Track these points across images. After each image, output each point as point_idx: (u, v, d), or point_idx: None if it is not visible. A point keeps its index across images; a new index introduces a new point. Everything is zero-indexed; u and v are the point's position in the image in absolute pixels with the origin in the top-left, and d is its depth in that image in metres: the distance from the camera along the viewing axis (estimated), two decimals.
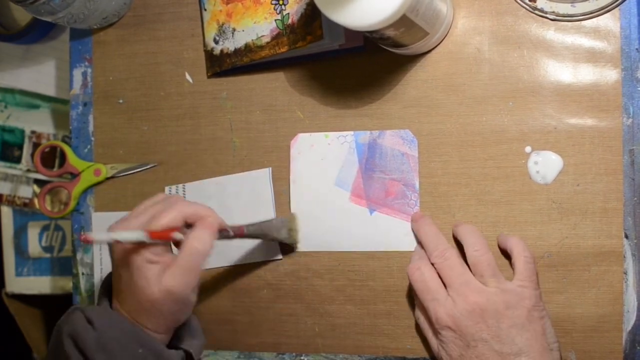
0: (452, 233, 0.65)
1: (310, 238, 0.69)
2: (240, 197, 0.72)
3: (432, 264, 0.63)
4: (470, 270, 0.61)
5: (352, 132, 0.69)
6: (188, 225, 0.60)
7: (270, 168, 0.71)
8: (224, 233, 0.63)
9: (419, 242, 0.66)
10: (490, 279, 0.60)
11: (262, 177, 0.71)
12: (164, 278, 0.58)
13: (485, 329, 0.58)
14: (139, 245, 0.58)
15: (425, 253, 0.64)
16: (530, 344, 0.58)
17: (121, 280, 0.60)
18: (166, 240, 0.59)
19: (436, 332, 0.61)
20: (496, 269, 0.61)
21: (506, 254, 0.64)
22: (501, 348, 0.58)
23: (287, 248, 0.70)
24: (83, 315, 0.59)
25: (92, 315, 0.59)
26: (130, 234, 0.57)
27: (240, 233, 0.65)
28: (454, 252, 0.62)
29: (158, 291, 0.58)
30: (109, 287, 0.63)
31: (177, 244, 0.60)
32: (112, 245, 0.60)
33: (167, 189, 0.74)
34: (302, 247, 0.70)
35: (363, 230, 0.68)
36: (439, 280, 0.62)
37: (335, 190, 0.69)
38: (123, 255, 0.59)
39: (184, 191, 0.73)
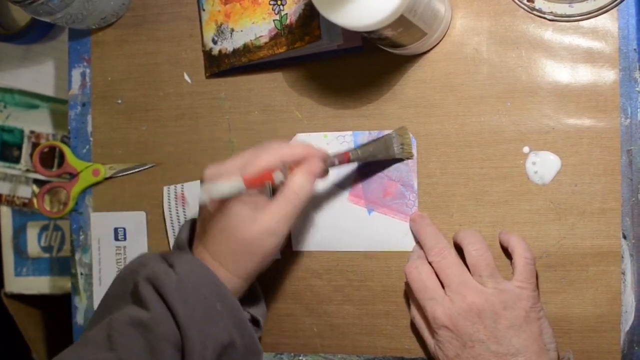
0: (453, 238, 0.65)
1: (308, 238, 0.70)
2: None
3: (430, 263, 0.63)
4: (469, 270, 0.62)
5: (350, 132, 0.69)
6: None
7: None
8: (329, 163, 0.61)
9: (418, 242, 0.66)
10: (488, 279, 0.60)
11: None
12: (264, 219, 0.57)
13: (483, 330, 0.58)
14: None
15: (424, 252, 0.64)
16: (527, 345, 0.58)
17: (211, 223, 0.59)
18: (262, 186, 0.58)
19: (433, 332, 0.61)
20: (495, 269, 0.61)
21: (507, 252, 0.64)
22: (498, 349, 0.58)
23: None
24: (163, 259, 0.58)
25: (174, 260, 0.58)
26: (227, 186, 0.55)
27: (345, 159, 0.62)
28: (452, 252, 0.62)
29: (255, 232, 0.57)
30: (188, 233, 0.62)
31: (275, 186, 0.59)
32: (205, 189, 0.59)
33: (165, 189, 0.74)
34: (300, 247, 0.70)
35: (361, 230, 0.68)
36: (437, 279, 0.62)
37: (334, 190, 0.69)
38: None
39: (182, 190, 0.73)
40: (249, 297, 0.64)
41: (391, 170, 0.67)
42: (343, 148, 0.68)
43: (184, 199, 0.73)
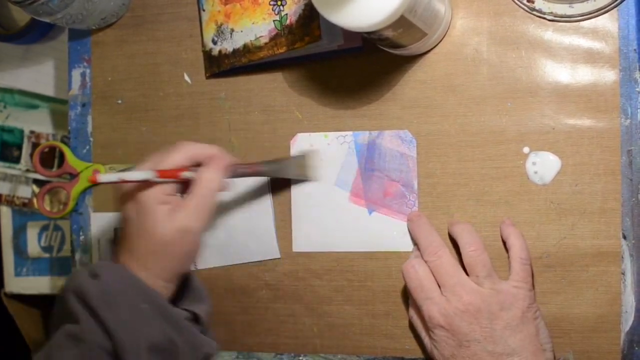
0: (448, 232, 0.65)
1: (309, 239, 0.70)
2: (238, 196, 0.72)
3: (426, 263, 0.63)
4: (465, 270, 0.62)
5: (351, 133, 0.69)
6: (198, 165, 0.60)
7: (269, 178, 0.71)
8: (239, 170, 0.63)
9: (414, 242, 0.66)
10: (485, 280, 0.60)
11: (262, 187, 0.71)
12: (178, 217, 0.58)
13: (479, 330, 0.58)
14: (148, 185, 0.58)
15: (419, 252, 0.64)
16: (524, 345, 0.58)
17: (129, 225, 0.59)
18: (175, 178, 0.59)
19: (429, 331, 0.61)
20: (491, 269, 0.61)
21: (505, 243, 0.64)
22: (494, 348, 0.58)
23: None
24: (86, 270, 0.58)
25: (96, 268, 0.58)
26: (138, 174, 0.57)
27: (254, 170, 0.65)
28: (447, 251, 0.63)
29: (171, 230, 0.57)
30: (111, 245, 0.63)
31: (187, 185, 0.60)
32: (120, 189, 0.60)
33: None
34: (301, 248, 0.70)
35: (362, 231, 0.68)
36: (434, 279, 0.62)
37: (335, 190, 0.69)
38: (132, 197, 0.59)
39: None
40: (188, 295, 0.63)
41: (391, 171, 0.67)
42: (343, 149, 0.68)
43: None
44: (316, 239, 0.69)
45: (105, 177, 0.58)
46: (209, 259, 0.73)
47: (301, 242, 0.70)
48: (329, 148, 0.69)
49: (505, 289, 0.60)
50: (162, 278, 0.59)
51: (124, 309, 0.56)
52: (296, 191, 0.70)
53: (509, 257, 0.62)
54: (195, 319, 0.61)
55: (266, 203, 0.71)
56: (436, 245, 0.63)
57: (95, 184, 0.55)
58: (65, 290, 0.58)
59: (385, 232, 0.67)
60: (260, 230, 0.71)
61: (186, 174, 0.59)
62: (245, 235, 0.72)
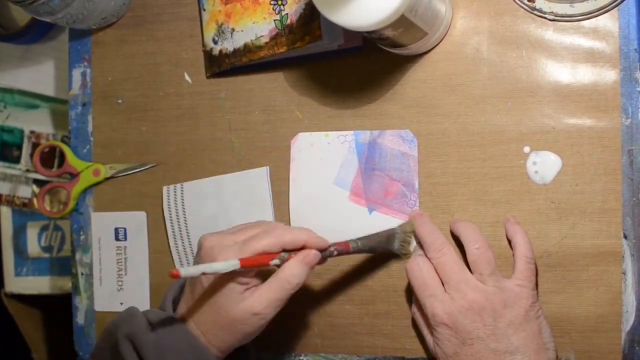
0: (450, 230, 0.65)
1: None
2: (238, 196, 0.72)
3: (429, 260, 0.63)
4: (469, 268, 0.62)
5: (352, 132, 0.69)
6: (286, 250, 0.59)
7: (268, 167, 0.71)
8: (327, 253, 0.60)
9: (418, 241, 0.66)
10: (489, 277, 0.60)
11: (260, 176, 0.71)
12: (251, 300, 0.57)
13: (482, 327, 0.58)
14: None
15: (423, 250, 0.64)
16: (526, 343, 0.58)
17: (199, 290, 0.59)
18: (260, 267, 0.57)
19: (432, 329, 0.61)
20: (495, 267, 0.61)
21: (509, 241, 0.64)
22: (497, 346, 0.58)
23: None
24: (145, 319, 0.58)
25: (154, 319, 0.58)
26: (222, 265, 0.55)
27: (345, 251, 0.62)
28: (451, 249, 0.62)
29: (242, 311, 0.57)
30: (176, 293, 0.62)
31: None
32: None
33: (165, 188, 0.74)
34: None
35: (362, 230, 0.67)
36: (437, 276, 0.62)
37: (335, 189, 0.69)
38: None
39: (182, 191, 0.73)
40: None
41: (392, 170, 0.67)
42: (343, 148, 0.68)
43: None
44: None
45: (186, 271, 0.53)
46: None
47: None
48: (329, 147, 0.69)
49: (509, 287, 0.60)
50: (217, 348, 0.59)
51: None
52: (294, 190, 0.70)
53: (514, 255, 0.62)
54: None
55: (266, 203, 0.71)
56: (440, 242, 0.63)
57: (174, 276, 0.53)
58: (117, 332, 0.58)
59: None
60: None
61: (274, 263, 0.57)
62: None
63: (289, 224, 0.70)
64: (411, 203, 0.67)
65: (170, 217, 0.74)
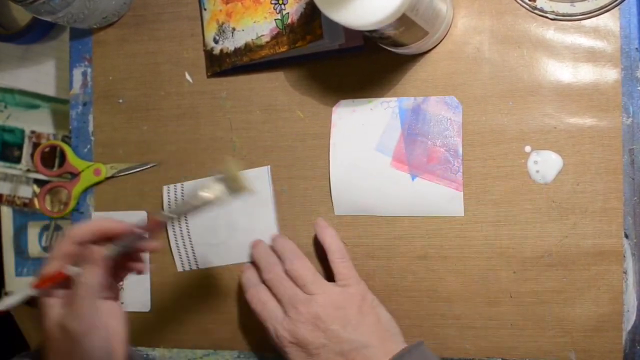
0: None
1: (351, 202, 0.69)
2: None
3: (265, 283, 0.65)
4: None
5: (395, 98, 0.68)
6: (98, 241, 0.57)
7: (269, 166, 0.71)
8: (135, 236, 0.57)
9: (252, 262, 0.69)
10: (312, 286, 0.62)
11: (261, 176, 0.71)
12: (60, 313, 0.55)
13: (322, 335, 0.60)
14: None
15: (257, 274, 0.67)
16: (369, 336, 0.60)
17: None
18: (58, 282, 0.56)
19: (283, 351, 0.63)
20: (316, 274, 0.64)
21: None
22: (342, 348, 0.60)
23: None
24: None
25: None
26: (14, 298, 0.56)
27: (156, 227, 0.58)
28: (278, 266, 0.65)
29: (50, 325, 0.55)
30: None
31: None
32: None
33: (165, 188, 0.74)
34: (343, 211, 0.69)
35: (405, 196, 0.66)
36: (274, 300, 0.64)
37: (376, 155, 0.68)
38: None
39: (182, 190, 0.73)
40: None
41: (436, 136, 0.66)
42: (386, 114, 0.67)
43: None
44: (358, 203, 0.68)
45: None
46: (210, 259, 0.73)
47: (343, 206, 0.69)
48: (372, 113, 0.68)
49: (334, 290, 0.63)
50: None
51: None
52: (335, 156, 0.69)
53: (328, 258, 0.65)
54: None
55: (267, 202, 0.71)
56: (272, 261, 0.66)
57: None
58: None
59: (430, 198, 0.66)
60: (260, 228, 0.71)
61: (69, 271, 0.56)
62: (246, 234, 0.72)
63: (329, 191, 0.69)
64: (455, 169, 0.66)
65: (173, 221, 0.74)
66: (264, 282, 0.66)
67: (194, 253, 0.73)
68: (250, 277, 0.68)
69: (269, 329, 0.64)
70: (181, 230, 0.74)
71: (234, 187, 0.58)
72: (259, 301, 0.65)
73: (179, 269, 0.74)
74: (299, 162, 0.71)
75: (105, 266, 0.56)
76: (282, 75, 0.71)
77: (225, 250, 0.72)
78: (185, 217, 0.64)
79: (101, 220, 0.58)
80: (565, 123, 0.63)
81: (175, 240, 0.74)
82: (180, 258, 0.74)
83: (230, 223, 0.72)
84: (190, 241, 0.73)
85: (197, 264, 0.73)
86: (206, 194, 0.58)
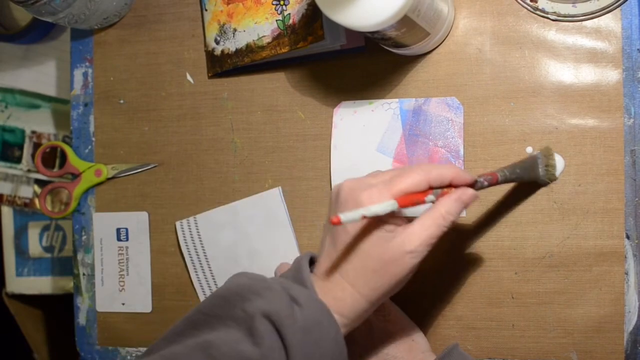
0: None
1: None
2: (253, 220, 0.71)
3: None
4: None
5: (397, 100, 0.68)
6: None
7: (280, 187, 0.71)
8: (477, 186, 0.57)
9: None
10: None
11: (273, 197, 0.71)
12: (403, 238, 0.53)
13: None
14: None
15: None
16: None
17: (346, 241, 0.54)
18: (415, 205, 0.53)
19: None
20: None
21: None
22: None
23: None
24: (286, 295, 0.53)
25: (298, 297, 0.53)
26: (380, 207, 0.51)
27: (494, 181, 0.58)
28: None
29: (397, 250, 0.53)
30: (308, 261, 0.57)
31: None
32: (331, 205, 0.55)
33: (178, 224, 0.74)
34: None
35: None
36: None
37: (378, 156, 0.67)
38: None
39: (195, 224, 0.73)
40: None
41: (437, 136, 0.66)
42: (387, 115, 0.67)
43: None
44: None
45: (346, 216, 0.50)
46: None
47: None
48: (373, 114, 0.68)
49: (394, 320, 0.63)
50: (366, 298, 0.54)
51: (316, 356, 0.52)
52: (336, 157, 0.69)
53: None
54: None
55: (284, 222, 0.71)
56: None
57: (336, 223, 0.49)
58: (246, 301, 0.53)
59: None
60: (281, 251, 0.71)
61: (429, 199, 0.54)
62: (268, 259, 0.71)
63: (331, 192, 0.68)
64: None
65: (188, 251, 0.73)
66: None
67: (216, 284, 0.73)
68: None
69: None
70: (200, 263, 0.73)
71: (549, 173, 0.63)
72: None
73: None
74: (300, 162, 0.71)
75: (467, 205, 0.55)
76: (283, 76, 0.71)
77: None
78: (513, 180, 0.61)
79: (455, 168, 0.55)
80: (566, 124, 0.63)
81: (196, 274, 0.73)
82: (203, 290, 0.73)
83: (251, 250, 0.71)
84: (212, 273, 0.73)
85: None
86: (535, 174, 0.62)
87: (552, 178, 0.63)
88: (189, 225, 0.73)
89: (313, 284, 0.55)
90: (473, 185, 0.56)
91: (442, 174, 0.54)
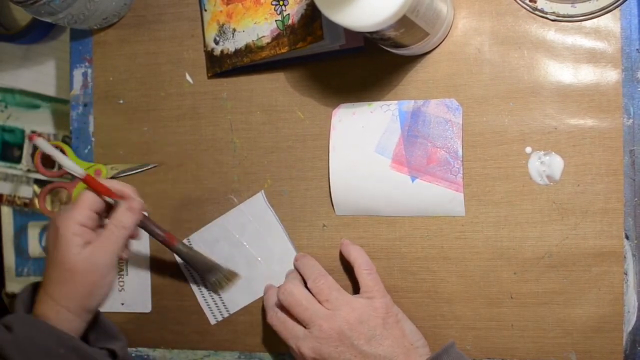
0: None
1: (351, 204, 0.69)
2: (245, 228, 0.72)
3: (281, 302, 0.64)
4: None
5: (396, 102, 0.68)
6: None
7: (263, 191, 0.71)
8: (149, 228, 0.67)
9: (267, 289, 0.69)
10: (335, 300, 0.62)
11: (257, 202, 0.71)
12: (89, 249, 0.60)
13: (346, 350, 0.60)
14: (65, 214, 0.61)
15: (274, 297, 0.66)
16: (394, 350, 0.60)
17: (47, 254, 0.62)
18: (97, 192, 0.63)
19: None
20: (339, 288, 0.64)
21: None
22: None
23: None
24: (1, 325, 0.59)
25: (9, 321, 0.59)
26: (71, 164, 0.64)
27: (169, 241, 0.68)
28: (296, 284, 0.64)
29: (79, 260, 0.60)
30: (29, 293, 0.64)
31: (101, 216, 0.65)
32: (51, 220, 0.63)
33: (176, 257, 0.74)
34: (344, 212, 0.69)
35: (405, 198, 0.66)
36: (293, 320, 0.63)
37: (376, 157, 0.67)
38: (52, 226, 0.62)
39: (189, 244, 0.73)
40: (100, 333, 0.65)
41: (435, 137, 0.66)
42: (386, 117, 0.67)
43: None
44: (359, 205, 0.68)
45: (40, 142, 0.64)
46: (237, 300, 0.73)
47: (345, 208, 0.69)
48: (372, 116, 0.68)
49: (359, 303, 0.62)
50: (68, 309, 0.60)
51: (41, 356, 0.58)
52: (334, 159, 0.69)
53: (355, 271, 0.65)
54: (113, 356, 0.63)
55: (274, 225, 0.71)
56: (286, 283, 0.65)
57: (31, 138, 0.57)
58: None
59: (430, 199, 0.66)
60: (278, 254, 0.71)
61: (109, 199, 0.64)
62: (266, 265, 0.71)
63: (329, 193, 0.69)
64: (455, 170, 0.65)
65: (190, 272, 0.74)
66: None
67: (222, 301, 0.73)
68: (269, 298, 0.67)
69: (292, 347, 0.63)
70: (204, 282, 0.73)
71: (219, 285, 0.72)
72: (278, 322, 0.64)
73: (212, 322, 0.73)
74: (299, 162, 0.71)
75: (140, 216, 0.64)
76: (282, 76, 0.71)
77: (249, 287, 0.72)
78: (186, 263, 0.71)
79: (132, 191, 0.66)
80: (566, 124, 0.63)
81: (202, 293, 0.74)
82: (211, 311, 0.73)
83: (249, 258, 0.72)
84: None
85: (227, 311, 0.73)
86: (208, 274, 0.71)
87: (215, 291, 0.72)
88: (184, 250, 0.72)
89: (22, 306, 0.62)
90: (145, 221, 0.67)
91: (122, 190, 0.65)
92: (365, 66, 0.68)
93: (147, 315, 0.75)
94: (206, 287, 0.73)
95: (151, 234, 0.68)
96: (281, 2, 0.67)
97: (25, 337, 0.58)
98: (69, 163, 0.64)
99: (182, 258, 0.70)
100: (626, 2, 0.62)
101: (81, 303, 0.61)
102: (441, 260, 0.66)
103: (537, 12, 0.64)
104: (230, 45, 0.71)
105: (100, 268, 0.61)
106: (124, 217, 0.63)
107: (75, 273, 0.60)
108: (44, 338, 0.58)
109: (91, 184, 0.63)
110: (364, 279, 0.64)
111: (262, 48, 0.68)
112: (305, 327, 0.62)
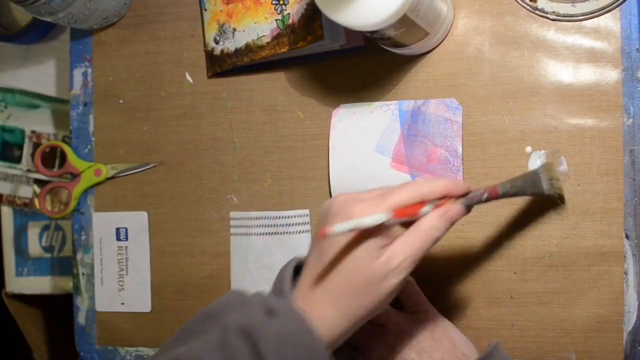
0: None
1: None
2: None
3: None
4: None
5: (396, 101, 0.68)
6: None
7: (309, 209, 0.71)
8: (473, 200, 0.54)
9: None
10: (380, 317, 0.60)
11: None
12: (388, 255, 0.50)
13: None
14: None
15: None
16: None
17: (331, 254, 0.52)
18: (410, 217, 0.52)
19: None
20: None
21: None
22: None
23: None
24: (262, 307, 0.52)
25: (276, 307, 0.51)
26: (373, 218, 0.49)
27: (494, 195, 0.56)
28: None
29: (380, 267, 0.50)
30: (292, 272, 0.55)
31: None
32: (321, 221, 0.53)
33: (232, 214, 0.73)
34: None
35: None
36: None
37: (376, 156, 0.67)
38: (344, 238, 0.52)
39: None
40: None
41: (435, 136, 0.66)
42: (386, 116, 0.67)
43: None
44: None
45: (339, 227, 0.48)
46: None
47: None
48: (372, 116, 0.68)
49: (404, 319, 0.61)
50: (347, 318, 0.52)
51: None
52: (335, 158, 0.68)
53: None
54: None
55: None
56: None
57: (325, 235, 0.48)
58: (224, 315, 0.52)
59: None
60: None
61: (424, 211, 0.52)
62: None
63: (329, 192, 0.69)
64: (455, 169, 0.65)
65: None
66: None
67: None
68: None
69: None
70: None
71: (554, 188, 0.61)
72: None
73: None
74: (299, 162, 0.71)
75: (454, 221, 0.53)
76: (282, 75, 0.71)
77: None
78: (514, 194, 0.59)
79: (449, 181, 0.53)
80: (565, 124, 0.63)
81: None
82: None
83: (271, 257, 0.72)
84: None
85: None
86: (539, 188, 0.60)
87: (558, 192, 0.61)
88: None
89: (291, 294, 0.53)
90: (467, 195, 0.54)
91: (435, 186, 0.52)
92: (365, 66, 0.68)
93: (147, 314, 0.75)
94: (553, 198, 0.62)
95: (478, 203, 0.55)
96: (281, 2, 0.67)
97: (289, 341, 0.50)
98: (369, 220, 0.49)
99: (510, 197, 0.59)
100: (626, 2, 0.62)
101: (363, 314, 0.52)
102: (441, 260, 0.66)
103: (537, 12, 0.64)
104: (230, 44, 0.71)
105: (399, 277, 0.51)
106: (436, 223, 0.52)
107: (369, 281, 0.51)
108: (302, 347, 0.50)
109: (402, 215, 0.51)
110: (405, 293, 0.62)
111: (262, 47, 0.68)
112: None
